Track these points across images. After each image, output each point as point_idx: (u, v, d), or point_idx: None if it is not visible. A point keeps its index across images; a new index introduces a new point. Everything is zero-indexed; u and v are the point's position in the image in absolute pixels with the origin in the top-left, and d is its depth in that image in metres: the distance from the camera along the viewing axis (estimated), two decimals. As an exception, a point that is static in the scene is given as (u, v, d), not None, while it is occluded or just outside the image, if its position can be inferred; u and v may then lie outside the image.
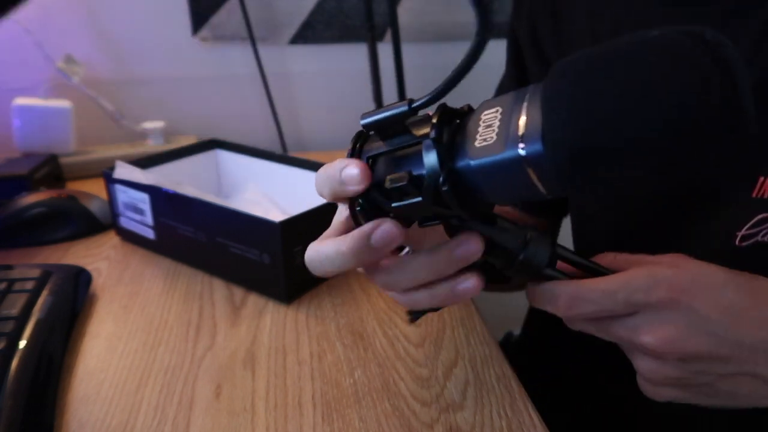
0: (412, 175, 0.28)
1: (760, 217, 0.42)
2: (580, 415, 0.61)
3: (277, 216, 0.51)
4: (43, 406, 0.38)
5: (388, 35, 0.98)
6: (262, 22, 0.96)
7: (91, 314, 0.50)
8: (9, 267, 0.51)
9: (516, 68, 0.61)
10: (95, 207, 0.66)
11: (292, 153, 0.92)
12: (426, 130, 0.27)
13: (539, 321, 0.68)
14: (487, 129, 0.26)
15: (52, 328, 0.44)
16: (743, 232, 0.43)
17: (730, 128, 0.22)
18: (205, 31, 0.95)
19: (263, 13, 0.96)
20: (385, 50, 0.97)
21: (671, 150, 0.22)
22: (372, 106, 0.96)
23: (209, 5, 0.93)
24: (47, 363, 0.41)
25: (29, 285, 0.47)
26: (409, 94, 0.97)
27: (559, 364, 0.64)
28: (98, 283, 0.55)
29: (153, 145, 0.89)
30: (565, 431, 0.62)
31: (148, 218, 0.59)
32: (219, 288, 0.54)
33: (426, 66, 1.03)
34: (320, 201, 0.30)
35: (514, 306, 0.74)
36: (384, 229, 0.29)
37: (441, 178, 0.26)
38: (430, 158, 0.27)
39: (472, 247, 0.29)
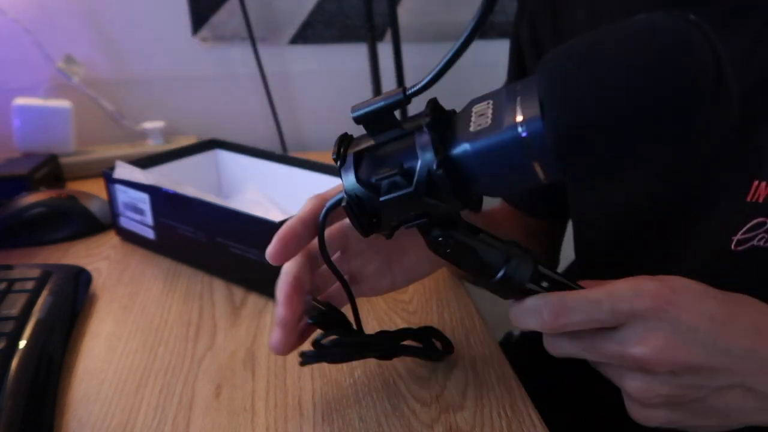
0: (403, 166, 0.27)
1: (755, 221, 0.42)
2: (580, 415, 0.61)
3: (277, 216, 0.51)
4: (43, 406, 0.38)
5: (388, 35, 0.98)
6: (262, 22, 0.96)
7: (91, 314, 0.50)
8: (9, 267, 0.51)
9: (519, 71, 0.61)
10: (95, 207, 0.66)
11: (292, 153, 0.92)
12: (417, 123, 0.27)
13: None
14: (480, 117, 0.26)
15: (52, 328, 0.44)
16: (739, 236, 0.43)
17: (721, 101, 0.22)
18: (205, 31, 0.95)
19: (263, 13, 0.96)
20: (385, 50, 0.97)
21: (667, 121, 0.23)
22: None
23: (209, 5, 0.93)
24: (47, 363, 0.41)
25: (29, 285, 0.47)
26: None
27: (558, 364, 0.64)
28: (98, 283, 0.55)
29: (153, 145, 0.89)
30: (565, 431, 0.62)
31: (148, 218, 0.59)
32: (219, 288, 0.54)
33: (426, 66, 1.02)
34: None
35: (514, 306, 0.73)
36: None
37: (435, 164, 0.26)
38: (424, 144, 0.26)
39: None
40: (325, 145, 1.07)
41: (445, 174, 0.26)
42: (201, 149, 0.72)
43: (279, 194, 0.68)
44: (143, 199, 0.58)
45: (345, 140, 0.31)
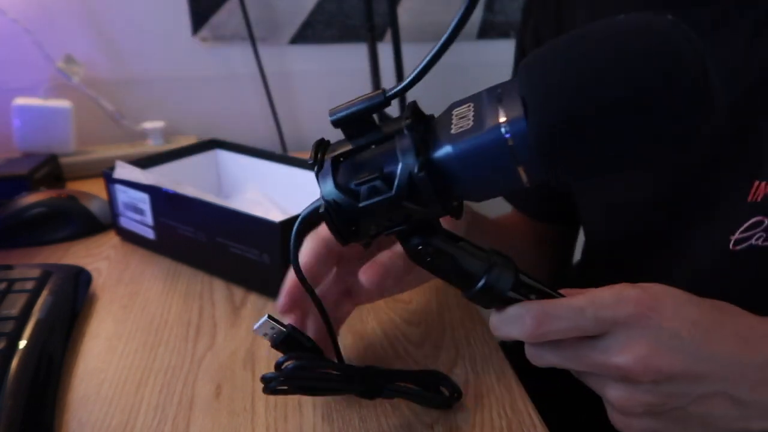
0: (383, 171, 0.27)
1: (754, 220, 0.42)
2: (580, 415, 0.61)
3: (277, 216, 0.51)
4: (43, 406, 0.38)
5: (388, 35, 0.98)
6: (262, 22, 0.96)
7: (91, 314, 0.50)
8: (9, 267, 0.51)
9: None
10: (95, 207, 0.66)
11: (292, 153, 0.92)
12: (397, 126, 0.27)
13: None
14: (461, 119, 0.26)
15: (52, 328, 0.44)
16: (737, 235, 0.42)
17: (703, 99, 0.23)
18: (205, 31, 0.95)
19: (263, 13, 0.96)
20: (385, 50, 0.97)
21: (648, 119, 0.23)
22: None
23: (209, 5, 0.93)
24: (47, 363, 0.41)
25: (29, 285, 0.47)
26: (409, 93, 0.97)
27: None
28: (98, 283, 0.55)
29: (153, 145, 0.89)
30: (565, 431, 0.62)
31: (148, 218, 0.59)
32: (219, 288, 0.54)
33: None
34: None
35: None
36: None
37: (417, 167, 0.25)
38: (405, 147, 0.26)
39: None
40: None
41: (426, 177, 0.25)
42: (201, 149, 0.72)
43: (279, 194, 0.68)
44: (143, 199, 0.58)
45: (322, 145, 0.30)
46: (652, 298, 0.28)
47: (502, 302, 0.29)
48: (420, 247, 0.29)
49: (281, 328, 0.33)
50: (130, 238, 0.63)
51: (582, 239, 0.68)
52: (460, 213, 0.29)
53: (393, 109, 0.89)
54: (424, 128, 0.27)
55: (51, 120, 0.82)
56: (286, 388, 0.32)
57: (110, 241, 0.64)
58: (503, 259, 0.30)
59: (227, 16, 0.94)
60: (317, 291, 0.35)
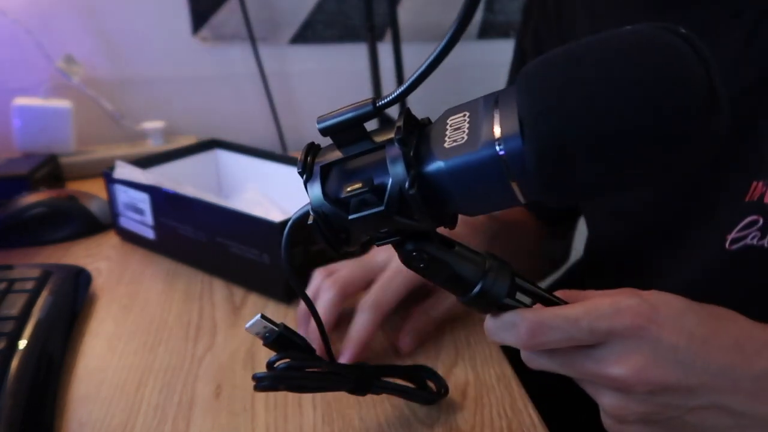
0: (373, 183, 0.26)
1: (749, 219, 0.42)
2: (580, 415, 0.61)
3: (277, 216, 0.51)
4: (43, 406, 0.38)
5: (388, 35, 0.98)
6: (262, 22, 0.96)
7: (91, 314, 0.50)
8: (9, 267, 0.51)
9: None
10: (95, 207, 0.66)
11: (292, 153, 0.92)
12: (388, 135, 0.26)
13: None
14: (455, 131, 0.25)
15: (52, 328, 0.44)
16: (733, 235, 0.42)
17: (713, 120, 0.21)
18: (205, 31, 0.95)
19: (263, 13, 0.96)
20: (385, 50, 0.97)
21: (655, 144, 0.22)
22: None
23: (209, 5, 0.93)
24: (47, 363, 0.41)
25: (29, 285, 0.47)
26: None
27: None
28: (98, 283, 0.55)
29: (153, 145, 0.89)
30: (565, 431, 0.62)
31: (148, 218, 0.59)
32: (219, 288, 0.54)
33: (426, 66, 1.03)
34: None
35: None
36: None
37: (408, 183, 0.24)
38: (395, 161, 0.25)
39: None
40: (325, 144, 1.07)
41: (417, 193, 0.24)
42: (201, 149, 0.72)
43: (279, 194, 0.68)
44: (143, 199, 0.58)
45: (312, 150, 0.29)
46: (649, 308, 0.27)
47: (498, 308, 0.29)
48: (414, 254, 0.28)
49: (273, 327, 0.33)
50: (130, 238, 0.63)
51: (582, 239, 0.68)
52: (455, 223, 0.29)
53: (393, 109, 0.89)
54: (417, 138, 0.26)
55: (51, 120, 0.82)
56: (278, 386, 0.32)
57: (110, 241, 0.64)
58: (499, 264, 0.29)
59: (227, 16, 0.94)
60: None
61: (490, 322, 0.30)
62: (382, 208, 0.25)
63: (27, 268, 0.51)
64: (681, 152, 0.22)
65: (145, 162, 0.64)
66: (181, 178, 0.64)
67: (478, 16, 1.06)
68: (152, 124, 0.90)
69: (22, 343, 0.40)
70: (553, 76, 0.23)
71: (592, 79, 0.22)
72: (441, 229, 0.28)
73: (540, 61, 0.24)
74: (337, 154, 0.27)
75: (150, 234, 0.60)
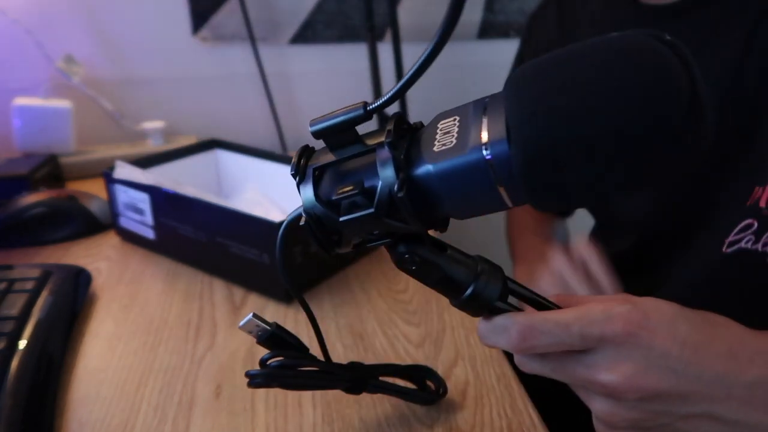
0: (363, 186, 0.26)
1: (745, 223, 0.42)
2: (580, 415, 0.61)
3: (277, 216, 0.51)
4: (43, 406, 0.38)
5: (388, 35, 0.98)
6: (262, 22, 0.96)
7: (91, 314, 0.50)
8: (9, 267, 0.51)
9: None
10: (95, 207, 0.66)
11: (292, 153, 0.92)
12: (380, 139, 0.26)
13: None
14: (445, 135, 0.25)
15: (52, 328, 0.44)
16: (730, 238, 0.43)
17: (696, 124, 0.22)
18: (205, 31, 0.95)
19: (263, 13, 0.96)
20: (385, 50, 0.97)
21: (640, 150, 0.22)
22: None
23: (209, 5, 0.93)
24: (47, 363, 0.41)
25: (29, 285, 0.47)
26: (409, 93, 0.97)
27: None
28: (98, 283, 0.55)
29: (153, 145, 0.89)
30: (565, 431, 0.62)
31: (148, 218, 0.59)
32: (219, 288, 0.54)
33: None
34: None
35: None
36: None
37: (396, 186, 0.25)
38: (385, 164, 0.25)
39: None
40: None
41: (406, 197, 0.24)
42: (201, 149, 0.72)
43: (279, 194, 0.68)
44: (143, 199, 0.58)
45: (306, 153, 0.29)
46: (641, 315, 0.27)
47: (489, 311, 0.29)
48: (406, 256, 0.28)
49: (266, 326, 0.33)
50: (130, 238, 0.63)
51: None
52: (446, 226, 0.29)
53: (394, 107, 0.89)
54: (408, 142, 0.26)
55: (51, 120, 0.82)
56: (271, 383, 0.33)
57: (110, 241, 0.64)
58: (491, 267, 0.29)
59: (227, 16, 0.94)
60: None
61: (482, 325, 0.30)
62: (371, 210, 0.26)
63: (27, 268, 0.51)
64: (664, 156, 0.22)
65: (145, 162, 0.64)
66: (181, 178, 0.64)
67: (478, 16, 1.06)
68: (152, 124, 0.90)
69: (22, 343, 0.40)
70: (539, 81, 0.23)
71: (577, 84, 0.22)
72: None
73: (527, 67, 0.24)
74: (330, 157, 0.28)
75: (150, 234, 0.60)
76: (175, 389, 0.41)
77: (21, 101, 0.81)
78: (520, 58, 0.69)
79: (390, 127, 0.25)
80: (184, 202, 0.55)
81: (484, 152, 0.23)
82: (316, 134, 0.27)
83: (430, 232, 0.29)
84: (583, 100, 0.22)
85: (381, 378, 0.37)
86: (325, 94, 1.04)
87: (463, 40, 1.06)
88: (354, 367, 0.36)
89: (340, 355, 0.44)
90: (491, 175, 0.23)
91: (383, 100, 0.25)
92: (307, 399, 0.40)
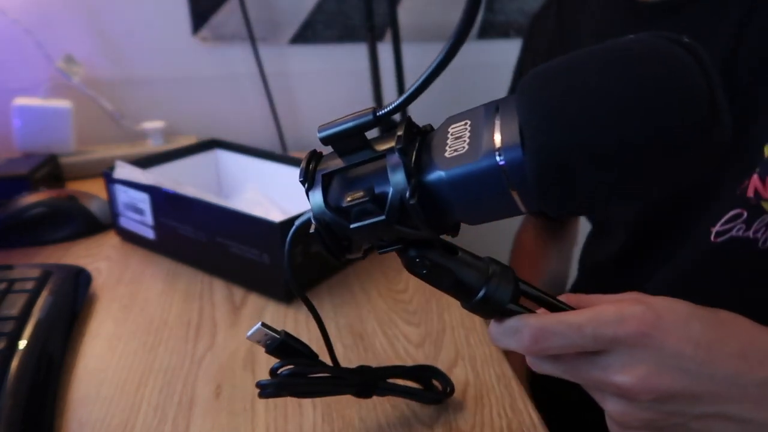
0: (374, 192, 0.26)
1: (733, 213, 0.42)
2: (580, 414, 0.61)
3: (277, 216, 0.51)
4: (43, 406, 0.38)
5: (388, 35, 0.98)
6: (262, 22, 0.96)
7: (91, 314, 0.50)
8: (9, 267, 0.51)
9: None
10: (95, 207, 0.66)
11: (292, 153, 0.92)
12: (389, 144, 0.26)
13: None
14: (456, 140, 0.25)
15: (52, 328, 0.44)
16: (717, 228, 0.43)
17: (714, 130, 0.21)
18: (205, 31, 0.95)
19: (263, 13, 0.96)
20: (385, 50, 0.97)
21: (655, 151, 0.21)
22: (372, 105, 0.96)
23: (209, 5, 0.93)
24: (47, 363, 0.41)
25: (29, 285, 0.47)
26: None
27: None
28: (98, 283, 0.55)
29: (153, 145, 0.89)
30: (566, 431, 0.63)
31: (148, 218, 0.59)
32: (219, 288, 0.54)
33: (426, 66, 1.03)
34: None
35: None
36: None
37: (408, 192, 0.24)
38: (396, 170, 0.25)
39: None
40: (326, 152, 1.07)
41: (418, 204, 0.24)
42: (201, 149, 0.72)
43: (279, 194, 0.68)
44: (143, 199, 0.58)
45: (314, 158, 0.28)
46: (654, 316, 0.27)
47: (501, 313, 0.29)
48: (417, 260, 0.28)
49: (275, 335, 0.33)
50: (130, 238, 0.63)
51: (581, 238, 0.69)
52: (457, 231, 0.29)
53: (394, 93, 0.89)
54: (418, 146, 0.26)
55: (51, 120, 0.82)
56: (282, 393, 0.32)
57: (110, 241, 0.64)
58: (502, 269, 0.29)
59: (227, 16, 0.94)
60: None
61: (494, 327, 0.30)
62: (383, 217, 0.26)
63: (27, 268, 0.51)
64: (682, 162, 0.22)
65: (145, 162, 0.64)
66: (181, 178, 0.64)
67: (479, 16, 1.06)
68: (152, 124, 0.90)
69: (22, 343, 0.40)
70: (553, 85, 0.23)
71: (592, 89, 0.22)
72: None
73: (540, 70, 0.24)
74: (338, 162, 0.27)
75: (150, 234, 0.60)
76: (175, 389, 0.41)
77: (21, 101, 0.81)
78: (521, 59, 0.69)
79: (400, 132, 0.25)
80: (184, 202, 0.55)
81: (498, 158, 0.23)
82: (325, 140, 0.27)
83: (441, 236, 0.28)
84: (600, 107, 0.21)
85: (389, 380, 0.37)
86: (325, 94, 1.04)
87: (463, 40, 1.06)
88: (363, 371, 0.35)
89: (340, 355, 0.44)
90: (504, 181, 0.23)
91: (393, 106, 0.25)
92: (307, 399, 0.40)
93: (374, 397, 0.39)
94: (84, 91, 0.88)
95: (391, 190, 0.25)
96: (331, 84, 1.04)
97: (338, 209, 0.27)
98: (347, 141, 0.27)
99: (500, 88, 0.70)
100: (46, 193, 0.66)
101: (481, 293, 0.28)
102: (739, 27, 0.41)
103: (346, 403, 0.39)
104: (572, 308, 0.29)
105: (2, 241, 0.61)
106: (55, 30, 0.87)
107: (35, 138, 0.81)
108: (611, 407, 0.29)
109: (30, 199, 0.64)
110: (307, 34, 0.99)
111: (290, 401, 0.39)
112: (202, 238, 0.54)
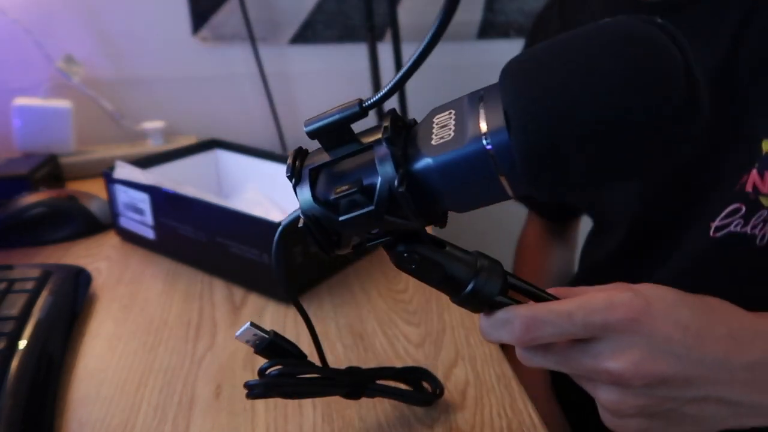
0: (362, 184, 0.26)
1: (732, 207, 0.43)
2: (580, 414, 0.61)
3: (277, 216, 0.51)
4: (43, 406, 0.38)
5: (388, 35, 0.98)
6: (262, 22, 0.96)
7: (91, 314, 0.50)
8: (9, 267, 0.51)
9: None
10: (95, 207, 0.66)
11: (292, 153, 0.92)
12: (376, 136, 0.26)
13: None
14: (442, 129, 0.25)
15: (52, 328, 0.44)
16: (717, 223, 0.43)
17: (694, 110, 0.22)
18: (205, 31, 0.95)
19: (263, 13, 0.96)
20: (385, 50, 0.97)
21: (636, 128, 0.22)
22: (371, 116, 0.96)
23: (209, 5, 0.93)
24: (47, 363, 0.41)
25: (29, 285, 0.47)
26: (409, 94, 0.97)
27: None
28: (98, 283, 0.55)
29: (153, 145, 0.89)
30: (566, 429, 0.63)
31: (148, 218, 0.59)
32: (219, 288, 0.54)
33: (426, 66, 1.03)
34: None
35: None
36: None
37: (396, 181, 0.24)
38: (384, 161, 0.25)
39: None
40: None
41: (407, 192, 0.24)
42: (201, 149, 0.72)
43: (279, 194, 0.68)
44: (143, 199, 0.58)
45: (300, 154, 0.29)
46: (643, 302, 0.27)
47: (490, 306, 0.29)
48: (405, 255, 0.28)
49: (263, 335, 0.33)
50: (130, 238, 0.63)
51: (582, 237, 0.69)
52: (445, 222, 0.29)
53: (392, 102, 0.90)
54: (404, 138, 0.26)
55: (51, 120, 0.82)
56: (270, 393, 0.32)
57: (110, 241, 0.64)
58: (490, 263, 0.29)
59: (227, 16, 0.94)
60: None
61: (484, 321, 0.30)
62: (372, 207, 0.26)
63: (27, 268, 0.51)
64: (663, 138, 0.22)
65: (145, 162, 0.64)
66: (181, 178, 0.64)
67: (479, 16, 1.06)
68: (152, 124, 0.90)
69: (22, 343, 0.40)
70: (535, 68, 0.23)
71: (573, 69, 0.22)
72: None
73: (522, 56, 0.24)
74: (325, 157, 0.28)
75: (150, 234, 0.60)
76: (175, 389, 0.41)
77: (21, 101, 0.81)
78: None
79: (386, 123, 0.25)
80: (184, 202, 0.55)
81: (484, 142, 0.23)
82: (311, 134, 0.27)
83: (429, 229, 0.28)
84: (581, 86, 0.22)
85: (379, 381, 0.37)
86: (325, 94, 1.04)
87: (463, 40, 1.06)
88: (352, 372, 0.35)
89: (340, 355, 0.44)
90: (492, 165, 0.23)
91: (379, 96, 0.25)
92: (307, 399, 0.40)
93: (375, 397, 0.39)
94: (84, 91, 0.88)
95: (379, 180, 0.25)
96: (331, 84, 1.04)
97: (327, 203, 0.27)
98: (334, 134, 0.26)
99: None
100: (46, 193, 0.66)
101: (470, 286, 0.28)
102: (740, 27, 0.42)
103: (346, 403, 0.39)
104: (560, 299, 0.29)
105: (2, 241, 0.61)
106: (55, 30, 0.87)
107: (35, 138, 0.81)
108: (604, 396, 0.29)
109: (30, 199, 0.64)
110: (307, 34, 0.99)
111: (290, 401, 0.39)
112: (202, 238, 0.54)
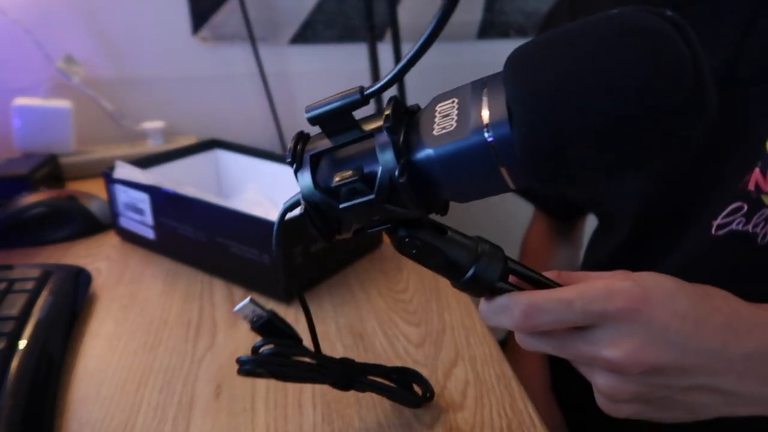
0: (363, 172, 0.26)
1: (734, 206, 0.43)
2: (580, 414, 0.61)
3: (276, 216, 0.51)
4: (43, 406, 0.38)
5: (388, 35, 0.98)
6: (262, 22, 0.96)
7: (91, 314, 0.50)
8: (9, 267, 0.51)
9: None
10: (95, 207, 0.66)
11: (292, 153, 0.92)
12: (377, 123, 0.26)
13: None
14: (444, 118, 0.25)
15: (52, 328, 0.44)
16: (719, 221, 0.43)
17: (699, 96, 0.21)
18: (205, 31, 0.95)
19: (263, 13, 0.96)
20: (385, 50, 0.97)
21: (641, 121, 0.21)
22: (372, 106, 0.96)
23: (209, 5, 0.93)
24: (47, 363, 0.41)
25: (29, 285, 0.47)
26: (409, 93, 0.97)
27: (558, 363, 0.64)
28: (98, 283, 0.55)
29: (153, 145, 0.89)
30: (565, 430, 0.63)
31: (148, 218, 0.59)
32: (219, 288, 0.54)
33: (425, 65, 1.02)
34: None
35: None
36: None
37: (397, 171, 0.24)
38: (385, 149, 0.25)
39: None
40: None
41: (407, 182, 0.24)
42: (201, 149, 0.72)
43: (279, 194, 0.68)
44: (143, 199, 0.58)
45: (301, 139, 0.28)
46: (642, 290, 0.27)
47: (491, 291, 0.29)
48: (406, 240, 0.28)
49: (262, 312, 0.33)
50: (130, 238, 0.63)
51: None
52: (446, 211, 0.29)
53: (393, 90, 0.90)
54: (406, 126, 0.26)
55: (51, 120, 0.82)
56: (260, 371, 0.32)
57: (110, 241, 0.64)
58: (492, 248, 0.29)
59: (227, 16, 0.94)
60: None
61: (484, 306, 0.30)
62: (372, 196, 0.26)
63: (27, 268, 0.51)
64: (667, 133, 0.22)
65: (145, 162, 0.64)
66: (181, 178, 0.64)
67: (479, 16, 1.06)
68: (152, 124, 0.90)
69: (22, 343, 0.40)
70: (539, 59, 0.23)
71: (577, 62, 0.22)
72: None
73: (526, 47, 0.24)
74: (326, 143, 0.27)
75: (150, 234, 0.60)
76: (175, 389, 0.41)
77: (21, 101, 0.81)
78: None
79: (388, 111, 0.25)
80: (184, 202, 0.55)
81: (486, 134, 0.23)
82: (312, 120, 0.27)
83: (430, 216, 0.29)
84: (585, 79, 0.22)
85: (371, 377, 0.37)
86: (325, 94, 1.02)
87: (463, 40, 1.06)
88: (344, 363, 0.35)
89: (339, 354, 0.44)
90: (493, 157, 0.23)
91: (380, 84, 0.25)
92: (307, 399, 0.40)
93: (375, 397, 0.39)
94: (84, 91, 0.88)
95: (380, 169, 0.25)
96: (331, 84, 1.04)
97: (327, 189, 0.27)
98: (335, 121, 0.26)
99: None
100: (46, 193, 0.66)
101: (471, 272, 0.28)
102: (742, 27, 0.42)
103: (346, 403, 0.39)
104: (560, 286, 0.30)
105: (2, 241, 0.61)
106: (55, 30, 0.87)
107: (35, 138, 0.81)
108: (600, 382, 0.29)
109: (30, 199, 0.64)
110: (307, 34, 0.99)
111: (290, 401, 0.39)
112: (202, 238, 0.54)
